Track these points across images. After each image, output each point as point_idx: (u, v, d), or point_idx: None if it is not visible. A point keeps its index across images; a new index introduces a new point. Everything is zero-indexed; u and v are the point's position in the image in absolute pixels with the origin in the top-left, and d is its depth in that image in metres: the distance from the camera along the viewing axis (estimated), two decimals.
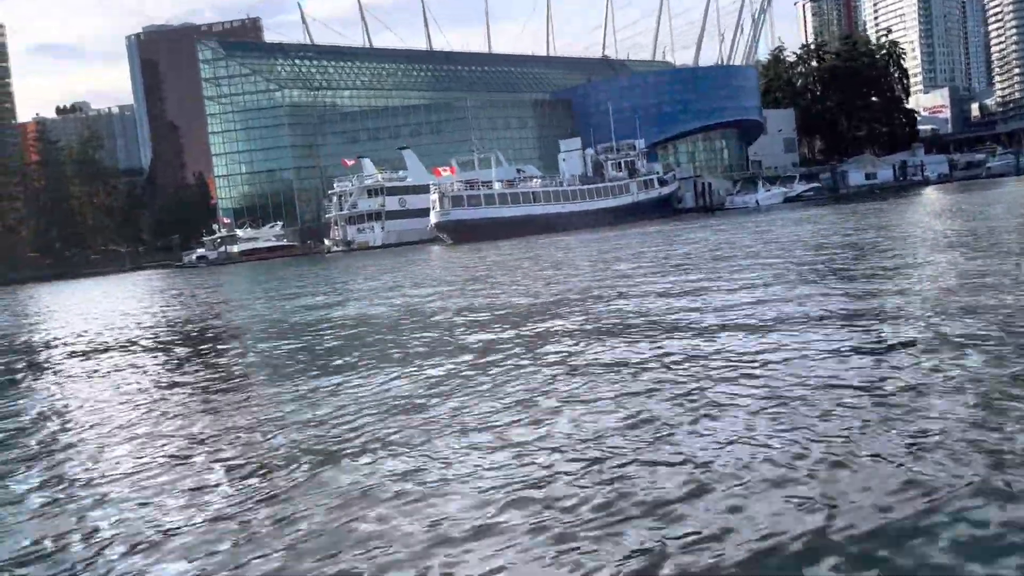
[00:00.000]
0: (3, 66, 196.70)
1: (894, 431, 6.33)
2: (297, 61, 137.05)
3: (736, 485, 5.58)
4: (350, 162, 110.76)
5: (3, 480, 7.78)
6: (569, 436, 7.14)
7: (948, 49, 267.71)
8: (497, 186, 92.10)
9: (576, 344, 11.99)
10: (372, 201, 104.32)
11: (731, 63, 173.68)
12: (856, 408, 7.04)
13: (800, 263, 21.23)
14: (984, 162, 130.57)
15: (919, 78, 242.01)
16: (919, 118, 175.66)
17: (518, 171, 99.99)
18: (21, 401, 12.59)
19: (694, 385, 8.52)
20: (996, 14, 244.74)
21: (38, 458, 8.55)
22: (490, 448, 7.04)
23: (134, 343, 19.58)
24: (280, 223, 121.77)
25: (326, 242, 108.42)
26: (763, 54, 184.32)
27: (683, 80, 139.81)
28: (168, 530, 5.92)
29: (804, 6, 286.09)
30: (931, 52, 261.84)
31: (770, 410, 7.28)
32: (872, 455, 5.86)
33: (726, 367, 9.22)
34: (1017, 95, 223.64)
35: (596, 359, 10.66)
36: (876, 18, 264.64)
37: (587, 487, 5.83)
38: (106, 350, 18.50)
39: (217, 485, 6.88)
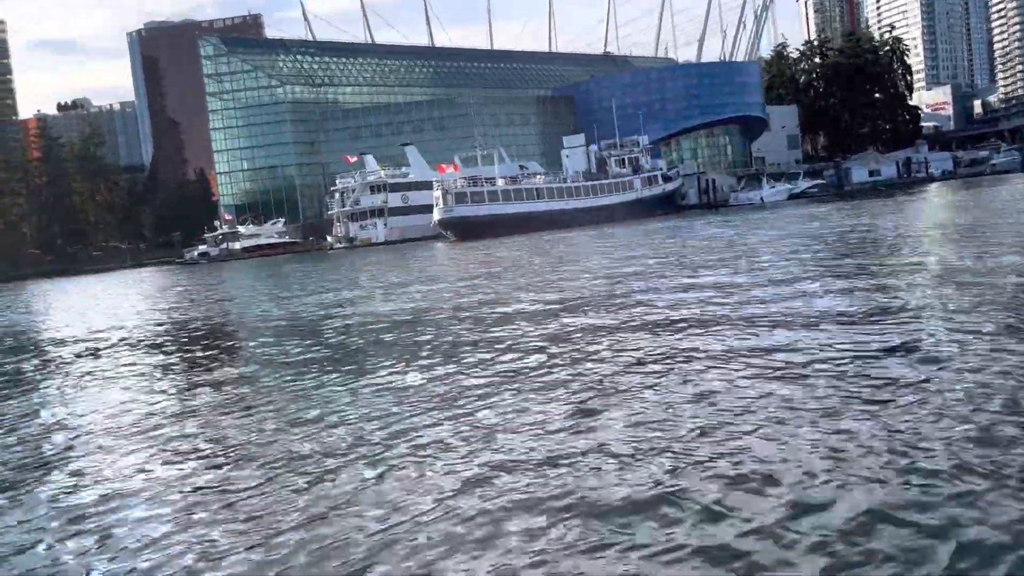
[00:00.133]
0: (4, 62, 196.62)
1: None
2: (299, 57, 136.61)
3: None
4: (352, 158, 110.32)
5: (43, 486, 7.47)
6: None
7: (951, 46, 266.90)
8: (500, 183, 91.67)
9: (645, 339, 11.66)
10: (375, 198, 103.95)
11: (733, 60, 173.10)
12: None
13: (835, 258, 20.93)
14: (988, 159, 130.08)
15: (922, 75, 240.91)
16: (921, 115, 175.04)
17: (521, 167, 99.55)
18: (58, 404, 12.27)
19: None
20: (999, 10, 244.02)
21: (78, 460, 8.25)
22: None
23: (152, 343, 19.28)
24: (282, 220, 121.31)
25: (328, 239, 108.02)
26: (765, 51, 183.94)
27: (686, 76, 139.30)
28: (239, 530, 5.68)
29: (806, 3, 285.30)
30: (934, 49, 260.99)
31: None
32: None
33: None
34: (1020, 92, 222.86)
35: (670, 352, 10.33)
36: (879, 14, 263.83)
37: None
38: (125, 348, 18.20)
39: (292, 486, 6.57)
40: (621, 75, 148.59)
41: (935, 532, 4.53)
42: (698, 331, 11.60)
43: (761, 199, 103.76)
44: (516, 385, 9.25)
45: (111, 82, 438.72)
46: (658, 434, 6.76)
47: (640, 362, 9.87)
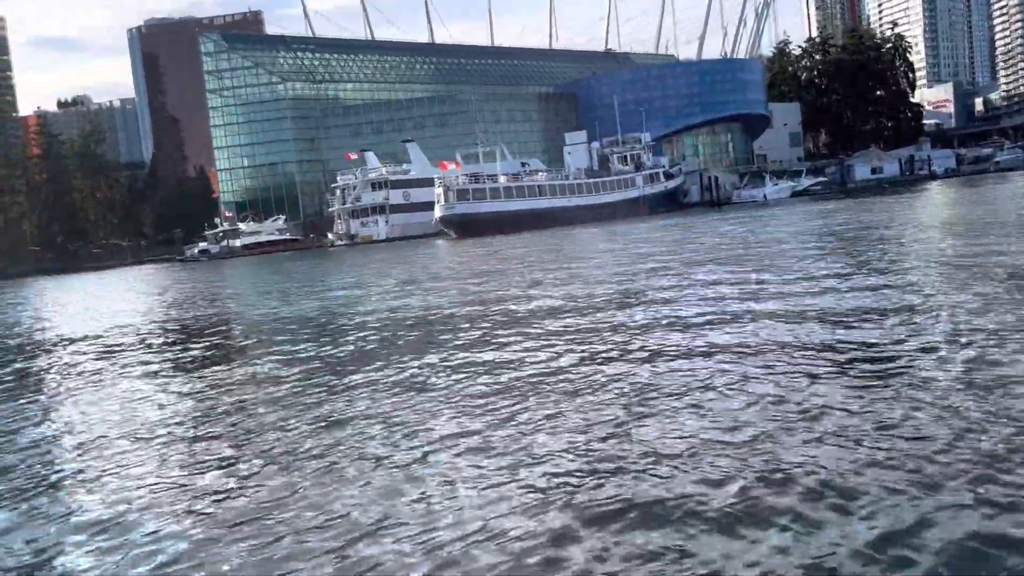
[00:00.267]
0: (4, 59, 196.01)
1: None
2: (300, 54, 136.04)
3: None
4: (353, 155, 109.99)
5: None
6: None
7: (952, 43, 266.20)
8: (502, 180, 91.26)
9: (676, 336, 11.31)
10: (376, 195, 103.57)
11: (735, 57, 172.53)
12: None
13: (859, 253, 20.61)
14: (992, 156, 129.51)
15: (923, 72, 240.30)
16: (923, 113, 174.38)
17: (522, 164, 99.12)
18: (71, 406, 11.94)
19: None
20: (1001, 8, 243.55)
21: (103, 458, 7.92)
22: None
23: (163, 341, 18.95)
24: (282, 217, 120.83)
25: (329, 236, 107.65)
26: (766, 48, 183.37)
27: (688, 73, 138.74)
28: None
29: (807, 0, 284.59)
30: (935, 46, 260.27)
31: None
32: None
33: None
34: (1022, 89, 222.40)
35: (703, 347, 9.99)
36: (880, 12, 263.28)
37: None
38: (135, 347, 17.87)
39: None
40: (622, 72, 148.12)
41: None
42: (752, 327, 11.27)
43: (764, 196, 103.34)
44: (550, 386, 8.92)
45: (111, 79, 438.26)
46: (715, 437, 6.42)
47: (690, 357, 9.54)
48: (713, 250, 27.87)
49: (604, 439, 6.62)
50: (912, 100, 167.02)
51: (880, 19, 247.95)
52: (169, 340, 18.30)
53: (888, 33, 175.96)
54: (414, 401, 8.79)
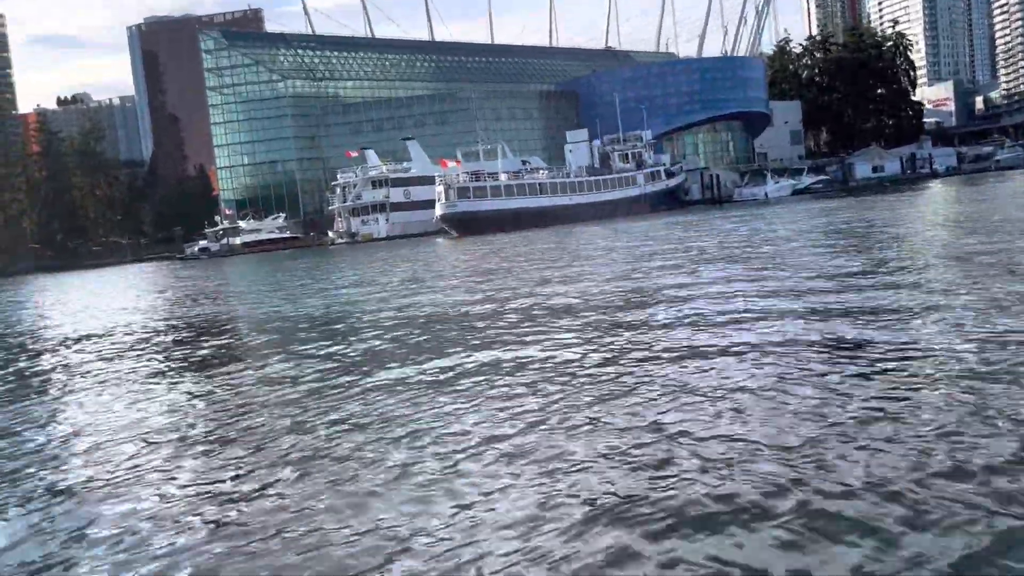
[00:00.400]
0: (4, 57, 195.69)
1: None
2: (300, 51, 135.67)
3: None
4: (354, 153, 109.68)
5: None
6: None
7: (952, 41, 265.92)
8: (503, 177, 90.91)
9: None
10: (376, 192, 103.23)
11: (734, 55, 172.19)
12: None
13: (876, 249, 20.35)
14: (993, 155, 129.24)
15: (923, 70, 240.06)
16: (924, 111, 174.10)
17: (523, 163, 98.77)
18: (80, 408, 11.67)
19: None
20: (1002, 6, 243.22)
21: (124, 459, 7.65)
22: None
23: (171, 340, 18.68)
24: (283, 215, 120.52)
25: (330, 234, 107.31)
26: (767, 46, 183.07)
27: (689, 71, 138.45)
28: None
29: None
30: (935, 44, 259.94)
31: None
32: None
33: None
34: (1023, 88, 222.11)
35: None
36: (880, 10, 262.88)
37: None
38: (142, 347, 17.60)
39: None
40: (623, 70, 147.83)
41: None
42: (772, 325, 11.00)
43: (765, 195, 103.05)
44: (579, 387, 8.64)
45: (111, 77, 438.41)
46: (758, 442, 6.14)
47: (720, 354, 9.27)
48: (722, 248, 27.59)
49: (643, 444, 6.32)
50: (913, 98, 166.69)
51: (880, 17, 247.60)
52: (176, 339, 18.00)
53: (889, 31, 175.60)
54: (437, 403, 8.47)
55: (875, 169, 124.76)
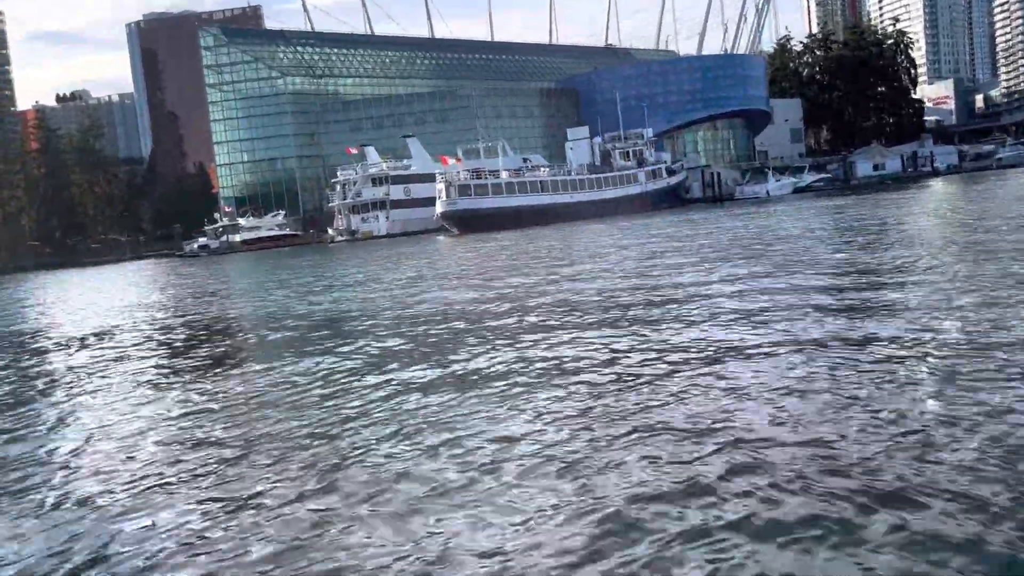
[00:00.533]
0: (3, 53, 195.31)
1: None
2: (300, 48, 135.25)
3: None
4: (353, 150, 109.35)
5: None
6: None
7: (953, 40, 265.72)
8: (504, 175, 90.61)
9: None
10: (376, 190, 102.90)
11: (735, 53, 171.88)
12: None
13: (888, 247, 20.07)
14: (994, 153, 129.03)
15: (923, 69, 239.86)
16: (924, 109, 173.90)
17: (524, 160, 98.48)
18: (89, 410, 11.36)
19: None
20: (1002, 4, 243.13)
21: (140, 459, 7.35)
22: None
23: (175, 340, 18.37)
24: (282, 212, 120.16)
25: (329, 231, 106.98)
26: (767, 44, 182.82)
27: (690, 69, 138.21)
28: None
29: None
30: (936, 43, 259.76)
31: None
32: None
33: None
34: (1023, 86, 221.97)
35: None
36: (880, 8, 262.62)
37: None
38: (147, 346, 17.29)
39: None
40: (624, 67, 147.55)
41: None
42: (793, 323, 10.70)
43: (767, 193, 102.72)
44: (618, 390, 8.33)
45: (110, 74, 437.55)
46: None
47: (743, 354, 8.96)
48: (730, 245, 27.30)
49: (691, 450, 6.02)
50: (913, 96, 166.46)
51: (881, 15, 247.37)
52: (185, 337, 17.68)
53: (889, 29, 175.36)
54: (465, 408, 8.12)
55: (876, 167, 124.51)
